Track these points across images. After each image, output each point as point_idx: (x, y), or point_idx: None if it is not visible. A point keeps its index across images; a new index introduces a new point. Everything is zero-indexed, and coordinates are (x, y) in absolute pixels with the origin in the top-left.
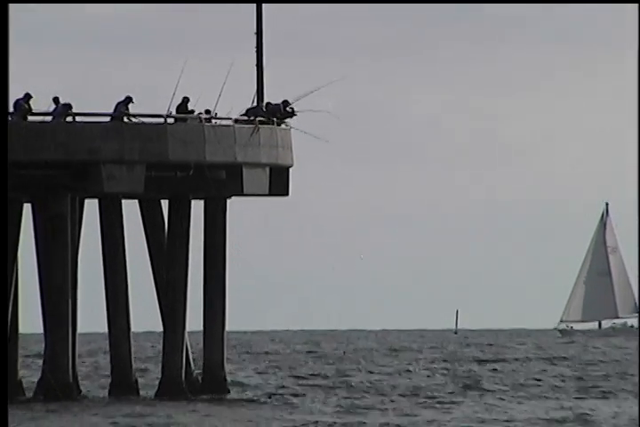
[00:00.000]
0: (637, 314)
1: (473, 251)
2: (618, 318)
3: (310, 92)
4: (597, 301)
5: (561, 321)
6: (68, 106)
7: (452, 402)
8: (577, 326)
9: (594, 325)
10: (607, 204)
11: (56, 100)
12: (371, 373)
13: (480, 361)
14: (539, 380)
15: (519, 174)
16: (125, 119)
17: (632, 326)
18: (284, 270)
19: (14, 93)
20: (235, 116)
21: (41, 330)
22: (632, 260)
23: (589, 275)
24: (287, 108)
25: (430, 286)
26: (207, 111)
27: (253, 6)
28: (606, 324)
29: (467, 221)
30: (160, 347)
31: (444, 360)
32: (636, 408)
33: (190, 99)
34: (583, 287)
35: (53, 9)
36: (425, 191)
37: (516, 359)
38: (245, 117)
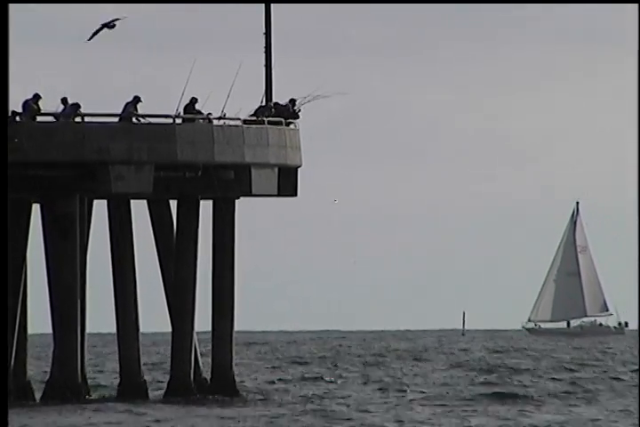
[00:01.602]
0: (608, 312)
1: (475, 250)
2: (586, 316)
3: (313, 98)
4: (566, 300)
5: (529, 320)
6: (77, 106)
7: None
8: (544, 325)
9: (562, 323)
10: (578, 203)
11: (64, 100)
12: None
13: None
14: None
15: (521, 174)
16: (134, 119)
17: (601, 325)
18: (293, 269)
19: (23, 94)
20: (243, 116)
21: (49, 330)
22: (602, 259)
23: (559, 274)
24: (294, 108)
25: (433, 286)
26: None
27: (261, 6)
28: (574, 322)
29: (473, 220)
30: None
31: None
32: None
33: (198, 99)
34: (553, 287)
35: (61, 9)
36: (434, 191)
37: None
38: (254, 118)
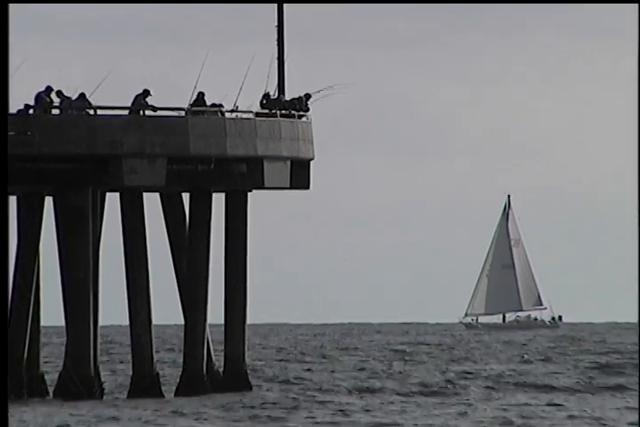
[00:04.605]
0: (542, 306)
1: (478, 244)
2: (521, 310)
3: (327, 94)
4: (501, 293)
5: (466, 314)
6: (83, 95)
7: None
8: (482, 320)
9: (499, 318)
10: (509, 196)
11: (82, 96)
12: None
13: None
14: None
15: (532, 169)
16: (146, 111)
17: (536, 319)
18: (304, 261)
19: (35, 86)
20: (255, 109)
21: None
22: (534, 252)
23: (492, 268)
24: (307, 102)
25: (437, 280)
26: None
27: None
28: (510, 317)
29: (482, 214)
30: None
31: None
32: None
33: (206, 93)
34: (486, 280)
35: (73, 4)
36: (443, 184)
37: None
38: (264, 104)
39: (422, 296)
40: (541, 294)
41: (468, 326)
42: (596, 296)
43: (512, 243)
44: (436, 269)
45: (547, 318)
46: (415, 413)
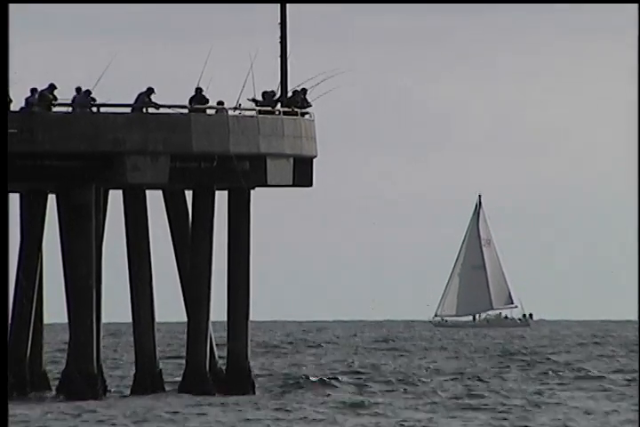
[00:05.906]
0: (512, 305)
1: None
2: (492, 309)
3: (328, 91)
4: (472, 294)
5: (436, 315)
6: (88, 92)
7: None
8: (451, 319)
9: (468, 317)
10: (480, 196)
11: (78, 90)
12: None
13: None
14: None
15: (537, 162)
16: (150, 108)
17: (506, 317)
18: (307, 259)
19: (36, 84)
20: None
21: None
22: (505, 252)
23: (463, 268)
24: (304, 97)
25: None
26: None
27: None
28: (480, 315)
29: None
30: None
31: None
32: None
33: (208, 90)
34: (457, 281)
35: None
36: (447, 180)
37: None
38: (262, 100)
39: (394, 294)
40: (512, 293)
41: (438, 324)
42: (567, 295)
43: (483, 243)
44: (407, 268)
45: (517, 317)
46: None
